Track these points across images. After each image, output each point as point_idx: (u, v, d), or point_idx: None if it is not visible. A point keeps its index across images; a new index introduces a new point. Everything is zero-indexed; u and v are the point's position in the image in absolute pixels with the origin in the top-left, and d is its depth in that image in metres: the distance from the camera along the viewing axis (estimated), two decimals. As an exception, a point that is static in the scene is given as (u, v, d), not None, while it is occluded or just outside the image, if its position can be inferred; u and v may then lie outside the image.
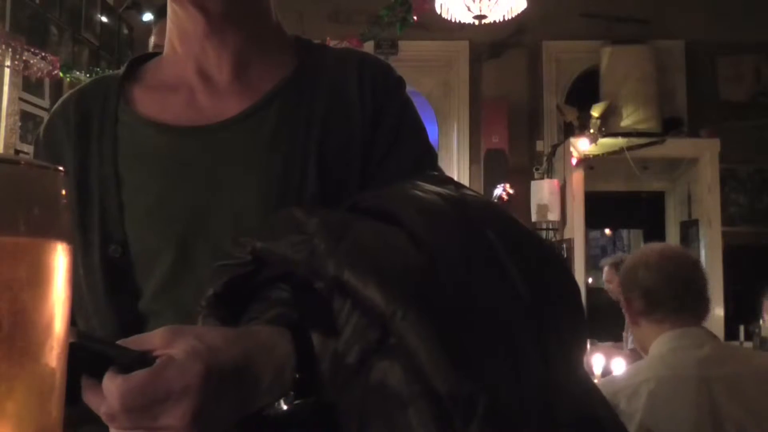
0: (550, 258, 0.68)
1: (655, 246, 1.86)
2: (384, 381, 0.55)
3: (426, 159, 0.87)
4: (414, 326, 0.53)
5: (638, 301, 1.66)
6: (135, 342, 0.56)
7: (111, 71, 0.98)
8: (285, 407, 0.57)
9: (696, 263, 1.74)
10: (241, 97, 0.84)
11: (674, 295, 1.62)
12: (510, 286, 0.60)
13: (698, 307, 1.66)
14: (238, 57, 0.85)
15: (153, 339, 0.56)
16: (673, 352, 1.56)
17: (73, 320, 0.75)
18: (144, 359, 0.54)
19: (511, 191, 4.63)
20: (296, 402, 0.58)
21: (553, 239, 4.94)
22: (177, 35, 0.87)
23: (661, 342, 1.59)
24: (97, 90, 0.89)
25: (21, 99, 3.64)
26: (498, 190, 4.64)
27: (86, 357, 0.52)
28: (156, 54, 0.94)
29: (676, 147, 4.87)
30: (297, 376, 0.58)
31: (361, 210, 0.68)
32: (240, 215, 0.77)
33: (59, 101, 0.91)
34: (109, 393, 0.52)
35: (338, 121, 0.83)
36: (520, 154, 5.12)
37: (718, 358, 1.53)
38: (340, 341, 0.58)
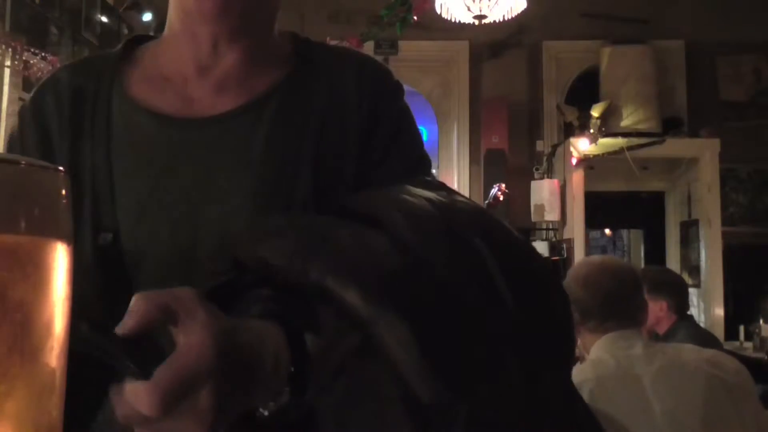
0: (540, 269, 0.67)
1: (587, 260, 2.09)
2: (365, 383, 0.54)
3: (420, 166, 0.87)
4: (394, 333, 0.52)
5: (574, 313, 1.87)
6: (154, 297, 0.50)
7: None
8: (280, 404, 0.56)
9: (618, 273, 1.89)
10: (238, 93, 0.83)
11: (599, 305, 1.81)
12: (495, 294, 0.58)
13: (626, 314, 1.82)
14: (241, 57, 0.84)
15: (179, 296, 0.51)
16: (608, 353, 1.73)
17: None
18: (148, 350, 0.48)
19: (506, 191, 4.63)
20: (292, 399, 0.56)
21: (553, 239, 4.94)
22: (180, 23, 0.85)
23: (598, 346, 1.78)
24: (90, 68, 0.87)
25: (21, 99, 3.63)
26: (493, 190, 4.64)
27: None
28: (153, 37, 0.92)
29: (676, 147, 4.87)
30: (292, 369, 0.56)
31: (347, 214, 0.67)
32: (230, 212, 0.77)
33: (48, 76, 0.88)
34: (143, 401, 0.47)
35: (334, 123, 0.83)
36: (520, 154, 5.12)
37: (647, 356, 1.69)
38: (323, 341, 0.57)
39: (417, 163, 0.87)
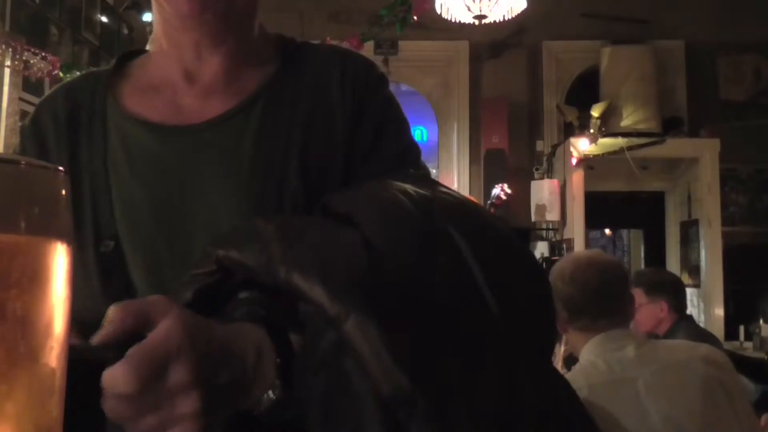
0: (522, 260, 0.66)
1: (571, 256, 1.93)
2: (341, 378, 0.55)
3: (408, 156, 0.88)
4: (359, 329, 0.53)
5: (562, 311, 1.74)
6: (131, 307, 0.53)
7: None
8: (274, 397, 0.57)
9: (606, 268, 1.78)
10: (225, 98, 0.85)
11: (589, 302, 1.70)
12: (471, 289, 0.58)
13: (617, 310, 1.72)
14: (225, 62, 0.86)
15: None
16: (599, 357, 1.63)
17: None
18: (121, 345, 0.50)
19: (509, 191, 4.62)
20: (284, 393, 0.57)
21: (553, 239, 4.94)
22: (164, 35, 0.88)
23: (588, 349, 1.67)
24: (85, 85, 0.90)
25: (21, 99, 3.63)
26: (496, 190, 4.64)
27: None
28: (144, 51, 0.96)
29: (676, 147, 4.87)
30: (278, 361, 0.58)
31: (326, 213, 0.68)
32: (222, 216, 0.79)
33: (46, 95, 0.93)
34: (119, 379, 0.49)
35: (321, 120, 0.84)
36: (520, 154, 5.12)
37: (640, 357, 1.60)
38: (305, 338, 0.58)
39: (405, 154, 0.88)
